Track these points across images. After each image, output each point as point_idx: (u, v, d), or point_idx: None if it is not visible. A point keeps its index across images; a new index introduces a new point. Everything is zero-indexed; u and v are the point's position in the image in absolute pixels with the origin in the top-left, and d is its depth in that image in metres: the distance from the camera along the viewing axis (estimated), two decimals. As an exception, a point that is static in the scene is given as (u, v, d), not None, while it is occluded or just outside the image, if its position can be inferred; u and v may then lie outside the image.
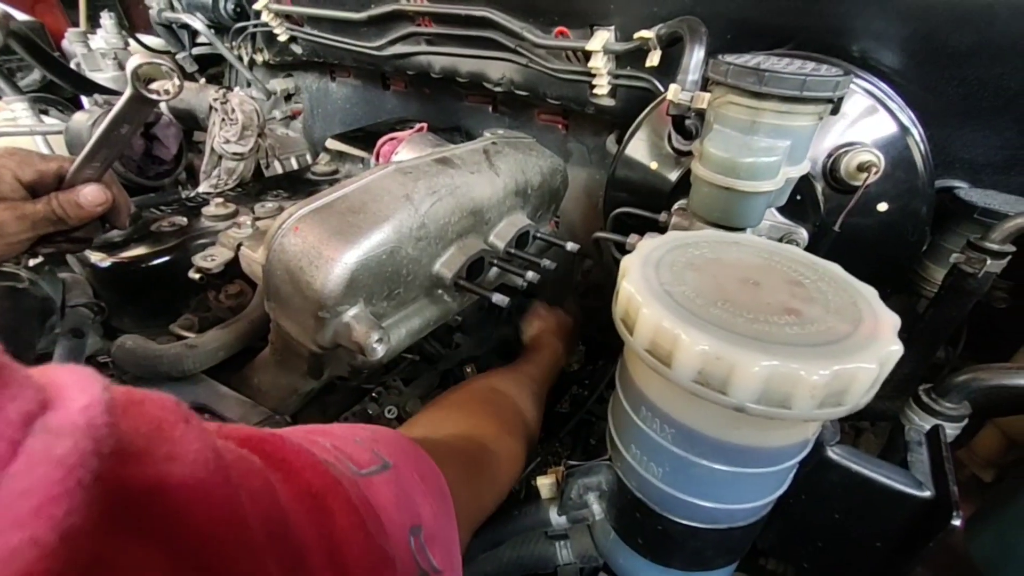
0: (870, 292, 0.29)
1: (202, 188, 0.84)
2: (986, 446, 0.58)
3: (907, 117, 0.57)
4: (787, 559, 0.37)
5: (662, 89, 0.71)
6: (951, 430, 0.38)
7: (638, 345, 0.27)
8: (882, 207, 0.56)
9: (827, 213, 0.57)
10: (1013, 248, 0.50)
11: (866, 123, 0.56)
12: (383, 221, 0.53)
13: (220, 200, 0.76)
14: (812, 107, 0.41)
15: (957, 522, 0.28)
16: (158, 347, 0.56)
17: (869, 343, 0.25)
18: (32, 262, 0.55)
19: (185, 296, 0.69)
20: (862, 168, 0.52)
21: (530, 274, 0.65)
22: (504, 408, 0.60)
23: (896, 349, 0.25)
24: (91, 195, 0.53)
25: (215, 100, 0.81)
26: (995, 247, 0.48)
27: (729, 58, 0.43)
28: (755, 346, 0.24)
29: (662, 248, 0.32)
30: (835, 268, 0.31)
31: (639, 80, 0.73)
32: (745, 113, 0.41)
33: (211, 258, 0.57)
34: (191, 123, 0.90)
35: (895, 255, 0.59)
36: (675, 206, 0.58)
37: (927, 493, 0.30)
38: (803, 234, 0.56)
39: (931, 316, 0.54)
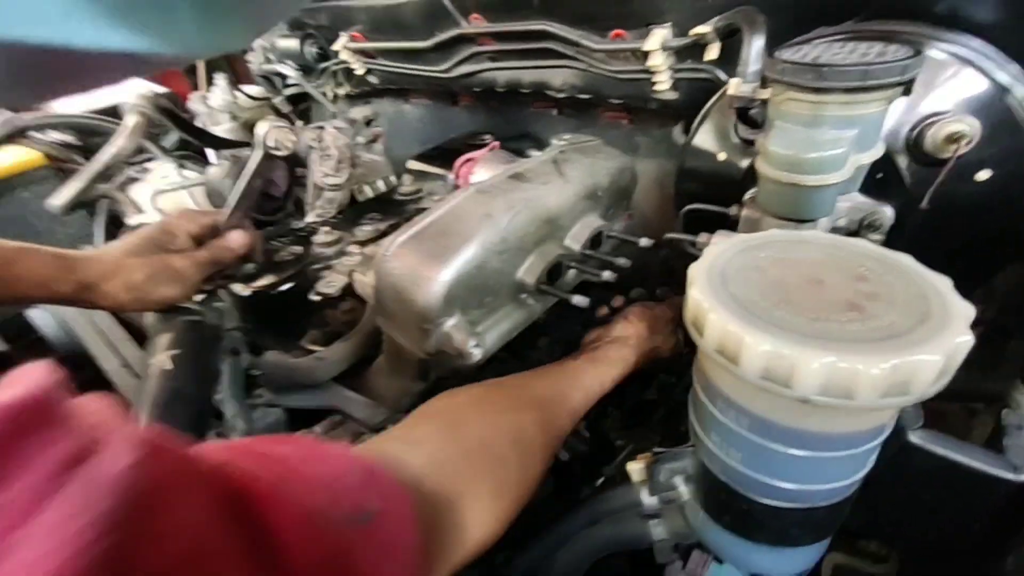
0: (943, 283, 0.30)
1: (309, 219, 0.96)
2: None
3: (1007, 75, 0.53)
4: (882, 539, 0.39)
5: (724, 78, 0.70)
6: None
7: (708, 347, 0.31)
8: (983, 175, 0.53)
9: (915, 187, 0.55)
10: None
11: (955, 88, 0.53)
12: (469, 240, 0.59)
13: (327, 228, 0.87)
14: (879, 93, 0.41)
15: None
16: (294, 361, 0.68)
17: (934, 335, 0.26)
18: (198, 298, 0.69)
19: (308, 314, 0.81)
20: (951, 139, 0.50)
21: (606, 273, 0.69)
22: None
23: (964, 340, 0.26)
24: (239, 239, 0.66)
25: (312, 140, 0.92)
26: (1115, 209, 0.45)
27: (785, 54, 0.44)
28: (814, 344, 0.27)
29: (727, 253, 0.35)
30: (904, 259, 0.32)
31: (701, 72, 0.73)
32: (807, 108, 0.42)
33: (330, 284, 0.67)
34: (293, 161, 1.02)
35: (1004, 225, 0.55)
36: (745, 197, 0.59)
37: (1023, 477, 0.31)
38: (887, 213, 0.55)
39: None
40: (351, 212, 1.00)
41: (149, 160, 1.09)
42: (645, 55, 0.75)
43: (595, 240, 0.75)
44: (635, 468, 0.45)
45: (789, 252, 0.35)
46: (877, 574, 0.53)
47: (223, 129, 1.26)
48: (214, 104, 1.22)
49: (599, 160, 0.77)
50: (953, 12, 0.56)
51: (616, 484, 0.48)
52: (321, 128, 0.98)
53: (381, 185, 1.17)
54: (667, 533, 0.45)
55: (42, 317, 0.86)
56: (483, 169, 0.77)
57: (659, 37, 0.72)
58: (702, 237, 0.54)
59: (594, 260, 0.72)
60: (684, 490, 0.41)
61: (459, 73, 1.06)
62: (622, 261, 0.70)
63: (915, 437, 0.33)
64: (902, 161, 0.55)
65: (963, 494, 0.32)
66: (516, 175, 0.69)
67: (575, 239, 0.73)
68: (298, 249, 0.86)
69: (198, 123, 1.23)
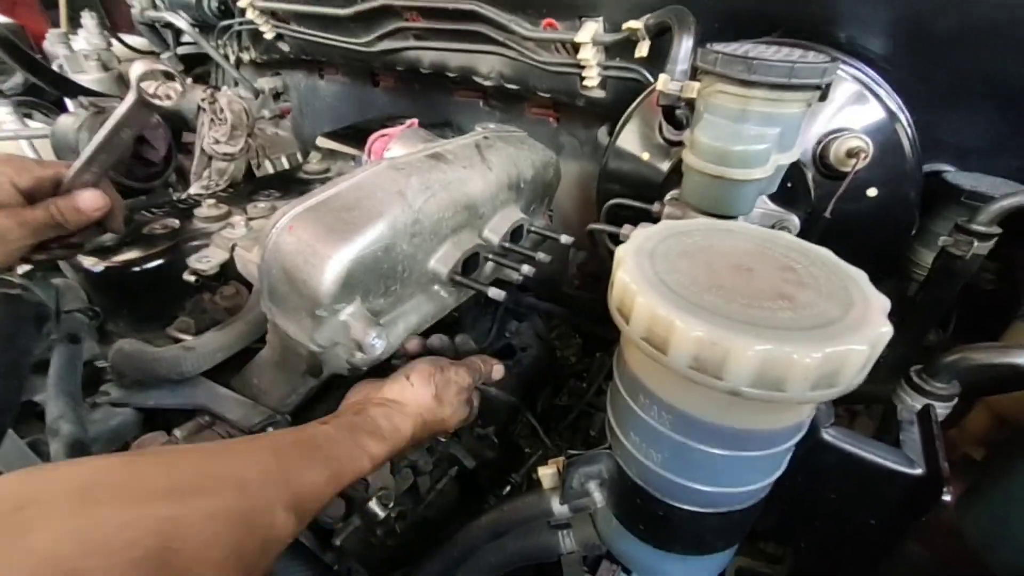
0: (861, 276, 0.29)
1: (193, 190, 0.83)
2: (976, 425, 0.59)
3: (895, 103, 0.58)
4: (785, 541, 0.38)
5: (652, 80, 0.71)
6: (941, 409, 0.39)
7: (634, 333, 0.28)
8: (872, 192, 0.57)
9: (818, 200, 0.58)
10: (1000, 230, 0.51)
11: (854, 109, 0.56)
12: (377, 217, 0.53)
13: (212, 201, 0.76)
14: (801, 94, 0.41)
15: (947, 498, 0.29)
16: (156, 350, 0.56)
17: (860, 326, 0.25)
18: (21, 269, 0.55)
19: (180, 299, 0.69)
20: (851, 154, 0.52)
21: (525, 268, 0.65)
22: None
23: (886, 331, 0.25)
24: (90, 200, 0.53)
25: (203, 100, 0.80)
26: (982, 229, 0.49)
27: (718, 47, 0.43)
28: (749, 331, 0.24)
29: (655, 237, 0.33)
30: (826, 253, 0.32)
31: (629, 71, 0.73)
32: (735, 102, 0.42)
33: (206, 259, 0.57)
34: (179, 124, 0.89)
35: (886, 239, 0.60)
36: (667, 196, 0.59)
37: (918, 470, 0.31)
38: (795, 221, 0.57)
39: (921, 299, 0.55)
40: (245, 188, 0.88)
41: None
42: (576, 47, 0.73)
43: (515, 233, 0.71)
44: (546, 473, 0.41)
45: (717, 240, 0.33)
46: (772, 575, 0.54)
47: (90, 79, 1.07)
48: (79, 48, 1.03)
49: (524, 151, 0.74)
50: (852, 41, 0.61)
51: (524, 492, 0.44)
52: (215, 89, 0.86)
53: (284, 161, 1.05)
54: (576, 544, 0.42)
55: None
56: (399, 146, 0.70)
57: (590, 30, 0.71)
58: (626, 228, 0.53)
59: (514, 254, 0.69)
60: (598, 497, 0.38)
61: (381, 48, 0.98)
62: (542, 256, 0.67)
63: (827, 435, 0.32)
64: (809, 173, 0.58)
65: (867, 489, 0.32)
66: (436, 155, 0.64)
67: (494, 231, 0.69)
68: (174, 223, 0.74)
69: (55, 67, 1.03)
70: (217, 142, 0.82)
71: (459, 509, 0.77)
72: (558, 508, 0.40)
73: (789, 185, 0.57)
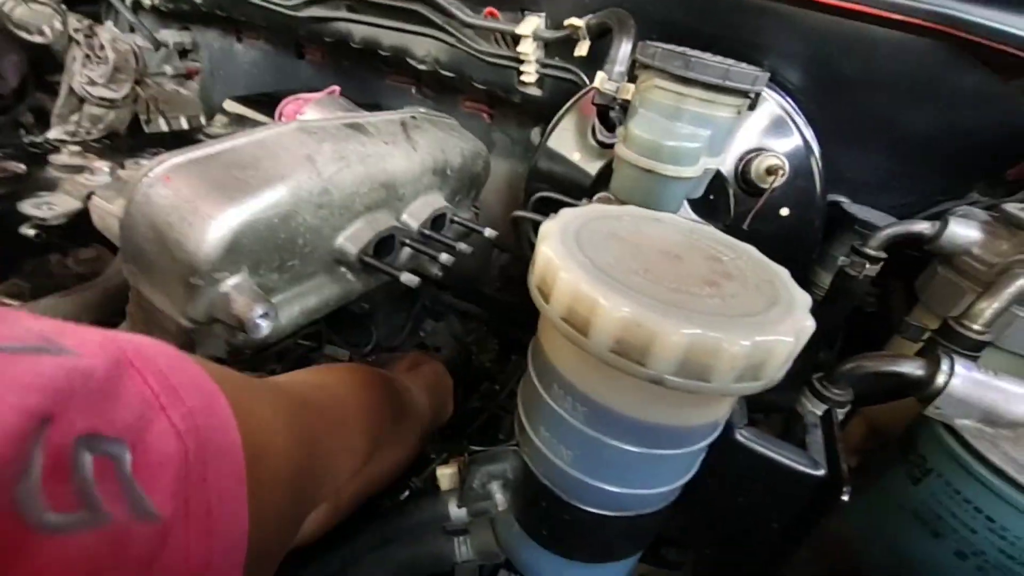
0: (784, 273, 0.29)
1: (52, 134, 0.70)
2: (853, 435, 0.64)
3: (809, 132, 0.62)
4: (690, 546, 0.37)
5: (588, 82, 0.71)
6: (840, 414, 0.41)
7: (554, 312, 0.25)
8: (784, 212, 0.60)
9: (736, 216, 0.60)
10: (886, 255, 0.56)
11: (775, 132, 0.59)
12: (278, 181, 0.46)
13: (77, 149, 0.64)
14: (733, 98, 0.41)
15: (846, 497, 0.29)
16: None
17: (786, 318, 0.24)
18: None
19: (18, 259, 0.57)
20: (770, 171, 0.55)
21: (444, 256, 0.61)
22: (373, 374, 0.51)
23: (810, 324, 0.24)
24: None
25: (77, 32, 0.68)
26: (873, 252, 0.53)
27: (658, 43, 0.43)
28: (677, 314, 0.22)
29: (583, 217, 0.30)
30: (751, 249, 0.31)
31: (567, 71, 0.72)
32: (670, 98, 0.41)
33: (48, 207, 0.47)
34: (42, 55, 0.75)
35: (794, 258, 0.63)
36: (596, 196, 0.58)
37: (821, 471, 0.31)
38: (713, 232, 0.58)
39: (819, 316, 0.58)
40: (127, 142, 0.76)
41: None
42: (516, 40, 0.71)
43: (436, 222, 0.67)
44: (445, 473, 0.37)
45: (645, 227, 0.31)
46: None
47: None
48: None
49: (453, 138, 0.70)
50: (773, 70, 0.64)
51: (419, 496, 0.39)
52: (94, 23, 0.73)
53: (183, 122, 0.93)
54: (473, 552, 0.38)
55: None
56: (315, 111, 0.64)
57: (532, 23, 0.69)
58: (551, 218, 0.50)
59: (433, 242, 0.64)
60: (500, 499, 0.34)
61: (309, 15, 0.90)
62: (463, 247, 0.64)
63: (741, 436, 0.32)
64: (730, 186, 0.59)
65: (775, 492, 0.32)
66: (355, 125, 0.58)
67: (414, 216, 0.64)
68: (19, 167, 0.61)
69: None
70: (92, 83, 0.70)
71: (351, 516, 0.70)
72: (455, 512, 0.36)
73: (711, 197, 0.58)
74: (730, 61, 0.43)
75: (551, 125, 0.73)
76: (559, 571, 0.34)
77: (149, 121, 0.85)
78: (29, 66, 0.71)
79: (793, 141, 0.59)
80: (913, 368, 0.39)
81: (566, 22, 0.65)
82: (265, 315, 0.45)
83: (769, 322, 0.23)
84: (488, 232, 0.67)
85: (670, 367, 0.22)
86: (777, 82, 0.63)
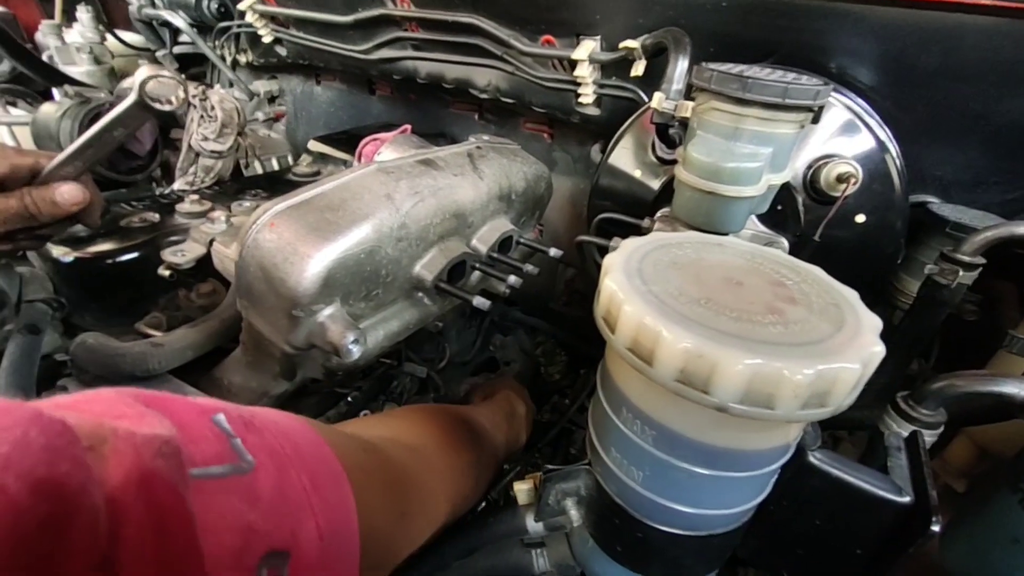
0: (852, 295, 0.29)
1: (177, 185, 0.81)
2: (958, 456, 0.59)
3: (884, 133, 0.59)
4: (767, 568, 0.37)
5: (646, 99, 0.71)
6: (928, 437, 0.38)
7: (619, 343, 0.27)
8: (860, 219, 0.57)
9: (807, 224, 0.58)
10: (983, 260, 0.51)
11: (845, 137, 0.57)
12: (363, 219, 0.51)
13: (195, 197, 0.74)
14: (794, 115, 0.41)
15: (936, 528, 0.28)
16: (121, 345, 0.54)
17: (852, 344, 0.24)
18: (-13, 256, 0.53)
19: (154, 295, 0.66)
20: (841, 179, 0.53)
21: (512, 278, 0.64)
22: (453, 422, 0.55)
23: (879, 351, 0.24)
24: (68, 194, 0.51)
25: (194, 97, 0.79)
26: (967, 259, 0.49)
27: (713, 65, 0.43)
28: (738, 344, 0.23)
29: (645, 247, 0.32)
30: (817, 271, 0.31)
31: (624, 90, 0.74)
32: (728, 119, 0.41)
33: (182, 253, 0.55)
34: (168, 119, 0.87)
35: (872, 266, 0.60)
36: (658, 213, 0.59)
37: (907, 499, 0.30)
38: (784, 243, 0.57)
39: (906, 327, 0.54)
40: (232, 186, 0.87)
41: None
42: (573, 64, 0.74)
43: (504, 244, 0.71)
44: (522, 489, 0.39)
45: (706, 253, 0.32)
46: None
47: (81, 72, 1.05)
48: (72, 40, 1.02)
49: (516, 163, 0.74)
50: (842, 71, 0.62)
51: (498, 508, 0.42)
52: (207, 86, 0.85)
53: (275, 163, 1.04)
54: (550, 564, 0.40)
55: None
56: (391, 151, 0.70)
57: (588, 48, 0.71)
58: (614, 242, 0.52)
59: (501, 264, 0.68)
60: (575, 515, 0.36)
61: (379, 57, 0.98)
62: (530, 268, 0.66)
63: (814, 458, 0.31)
64: (799, 196, 0.58)
65: (854, 516, 0.31)
66: (427, 161, 0.63)
67: (483, 240, 0.68)
68: (154, 217, 0.72)
69: (45, 59, 1.02)
70: (206, 139, 0.81)
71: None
72: (532, 526, 0.38)
73: (779, 208, 0.57)
74: (791, 76, 0.43)
75: (612, 143, 0.74)
76: (633, 588, 0.35)
77: (247, 166, 0.96)
78: (158, 130, 0.83)
79: (866, 143, 0.57)
80: (1017, 389, 0.36)
81: (621, 44, 0.67)
82: (356, 341, 0.51)
83: (834, 349, 0.24)
84: (553, 252, 0.70)
85: (734, 396, 0.23)
86: (846, 83, 0.61)
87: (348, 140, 1.00)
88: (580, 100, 0.77)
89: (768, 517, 0.33)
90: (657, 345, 0.25)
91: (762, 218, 0.58)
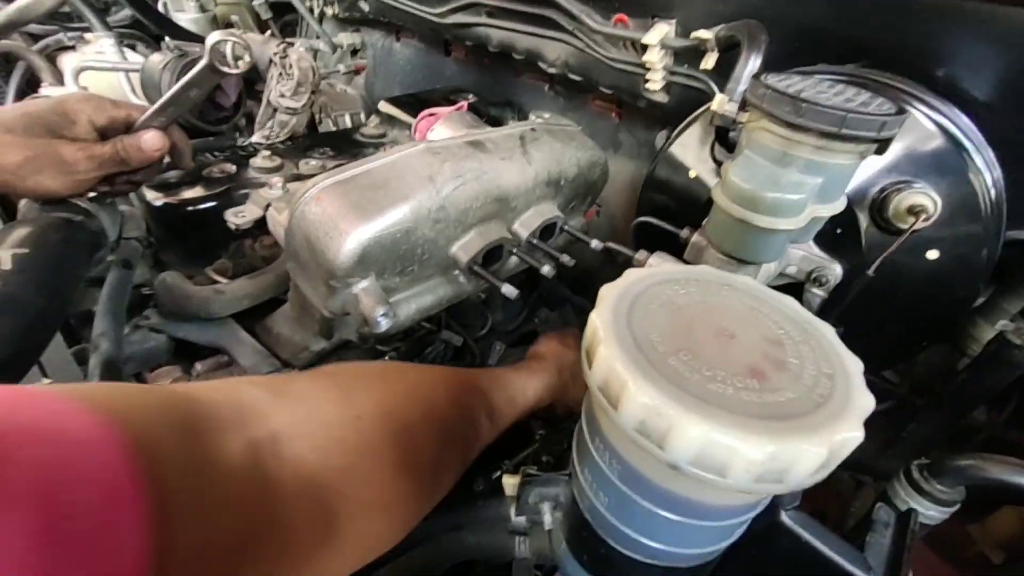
0: (854, 367, 0.27)
1: (255, 138, 0.88)
2: (1002, 526, 0.54)
3: (983, 158, 0.51)
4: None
5: (718, 92, 0.66)
6: (937, 514, 0.36)
7: (593, 381, 0.27)
8: (932, 255, 0.51)
9: (868, 252, 0.53)
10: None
11: (931, 160, 0.50)
12: (402, 200, 0.54)
13: (267, 153, 0.80)
14: (852, 146, 0.37)
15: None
16: (190, 288, 0.61)
17: (825, 426, 0.23)
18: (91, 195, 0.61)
19: (224, 241, 0.74)
20: (913, 211, 0.47)
21: (546, 268, 0.65)
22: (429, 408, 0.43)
23: (853, 437, 0.23)
24: (151, 141, 0.58)
25: (275, 55, 0.84)
26: (1049, 321, 0.44)
27: (771, 79, 0.40)
28: (699, 408, 0.23)
29: (646, 281, 0.31)
30: (826, 331, 0.29)
31: (694, 79, 0.69)
32: (777, 143, 0.38)
33: (241, 215, 0.61)
34: (252, 73, 0.93)
35: (937, 309, 0.54)
36: (698, 231, 0.56)
37: (874, 579, 0.29)
38: (836, 271, 0.53)
39: (965, 380, 0.49)
40: (302, 142, 0.92)
41: (88, 31, 0.97)
42: (644, 48, 0.70)
43: (547, 231, 0.71)
44: (509, 483, 0.42)
45: (712, 295, 0.31)
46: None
47: (187, 19, 1.14)
48: (181, -13, 1.10)
49: (570, 148, 0.72)
50: (950, 82, 0.54)
51: (488, 495, 0.45)
52: (289, 44, 0.89)
53: (347, 119, 1.08)
54: (530, 552, 0.43)
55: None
56: (444, 127, 0.71)
57: (660, 32, 0.67)
58: (640, 254, 0.51)
59: (540, 252, 0.68)
60: (548, 519, 0.38)
61: (453, 21, 0.98)
62: (566, 259, 0.66)
63: (787, 517, 0.31)
64: (863, 221, 0.53)
65: None
66: (475, 143, 0.63)
67: (525, 225, 0.68)
68: (231, 168, 0.78)
69: (160, 6, 1.10)
70: (282, 95, 0.86)
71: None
72: (515, 518, 0.41)
73: (839, 231, 0.52)
74: (861, 98, 0.39)
75: (674, 134, 0.71)
76: (596, 594, 0.37)
77: (320, 121, 1.01)
78: (243, 82, 0.89)
79: (955, 169, 0.50)
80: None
81: (693, 34, 0.62)
82: (385, 314, 0.54)
83: (802, 428, 0.23)
84: (594, 244, 0.69)
85: (685, 458, 0.24)
86: (953, 96, 0.53)
87: (416, 104, 1.01)
88: (648, 86, 0.73)
89: (736, 558, 0.33)
90: (622, 393, 0.25)
91: (819, 240, 0.54)
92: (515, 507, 0.40)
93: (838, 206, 0.41)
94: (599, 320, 0.28)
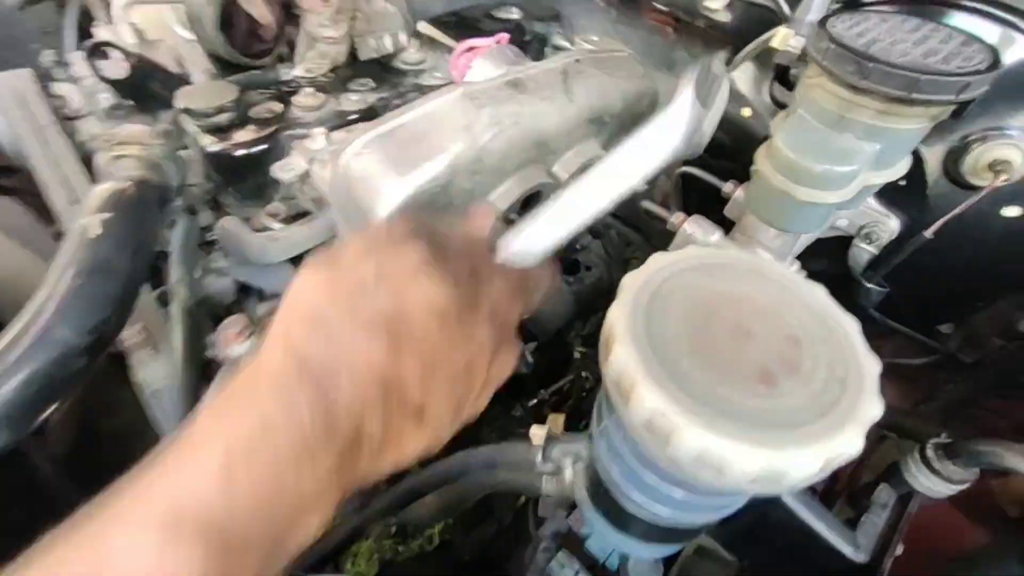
0: (871, 371, 0.27)
1: (296, 71, 0.87)
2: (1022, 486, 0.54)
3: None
4: (734, 553, 0.41)
5: (787, 13, 0.58)
6: (945, 491, 0.36)
7: (607, 374, 0.29)
8: (1011, 212, 0.46)
9: (934, 205, 0.48)
10: None
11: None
12: (438, 154, 0.54)
13: (310, 90, 0.79)
14: (922, 109, 0.33)
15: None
16: (247, 235, 0.66)
17: (823, 436, 0.24)
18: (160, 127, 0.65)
19: (276, 182, 0.77)
20: (993, 167, 0.42)
21: (584, 216, 0.64)
22: None
23: (853, 450, 0.24)
24: None
25: (310, -22, 0.80)
26: None
27: (840, 24, 0.35)
28: (701, 413, 0.25)
29: (670, 268, 0.31)
30: (850, 329, 0.29)
31: (763, -4, 0.60)
32: (835, 104, 0.35)
33: (288, 168, 0.63)
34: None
35: (1010, 270, 0.50)
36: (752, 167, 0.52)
37: (861, 558, 0.31)
38: (892, 226, 0.49)
39: (1018, 349, 0.47)
40: (343, 73, 0.90)
41: (128, -42, 0.95)
42: (703, -42, 0.61)
43: (586, 168, 0.69)
44: (536, 433, 0.46)
45: (736, 285, 0.31)
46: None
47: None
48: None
49: (616, 79, 0.67)
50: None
51: (517, 438, 0.49)
52: (323, -40, 0.84)
53: (387, 43, 1.04)
54: (554, 492, 0.48)
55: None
56: (484, 64, 0.67)
57: (724, -60, 0.58)
58: (676, 217, 0.49)
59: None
60: (568, 473, 0.42)
61: (495, -78, 0.88)
62: (607, 204, 0.65)
63: (788, 496, 0.33)
64: (932, 171, 0.48)
65: (806, 556, 0.33)
66: (514, 82, 0.61)
67: (565, 167, 0.67)
68: (278, 107, 0.79)
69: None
70: (322, 25, 0.83)
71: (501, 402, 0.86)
72: (540, 464, 0.45)
73: (901, 182, 0.48)
74: (948, 48, 0.33)
75: (735, 60, 0.64)
76: (614, 536, 0.42)
77: (362, 47, 0.98)
78: (282, 10, 0.87)
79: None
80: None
81: (763, -55, 0.53)
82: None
83: (800, 438, 0.24)
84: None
85: (686, 459, 0.25)
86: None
87: (457, 24, 0.96)
88: (707, 3, 0.65)
89: (738, 521, 0.36)
90: (632, 392, 0.27)
91: (882, 192, 0.49)
92: (540, 457, 0.45)
93: (896, 172, 0.38)
94: (618, 314, 0.29)
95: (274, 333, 0.27)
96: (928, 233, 0.43)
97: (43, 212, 0.73)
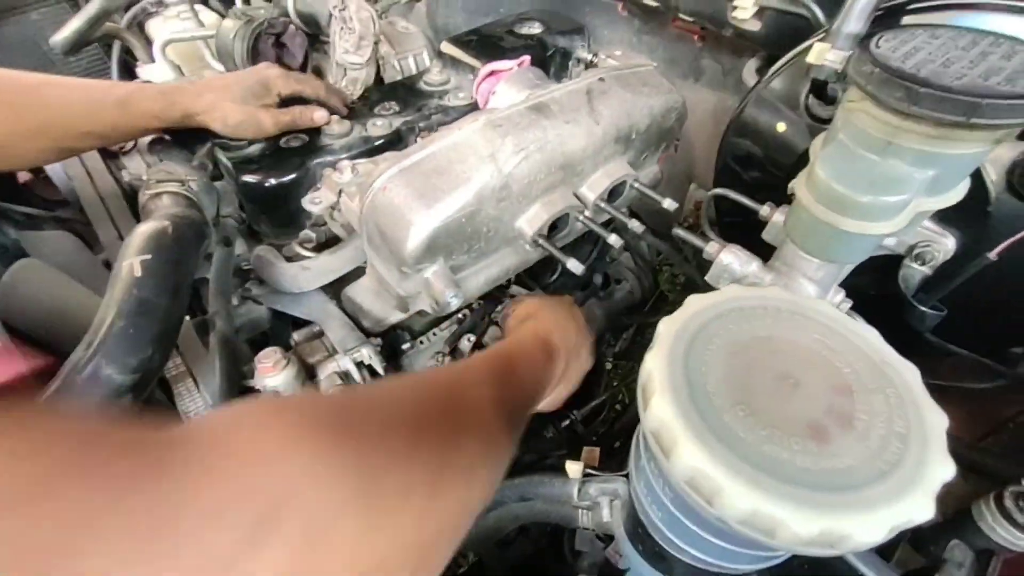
0: (937, 424, 0.25)
1: (328, 99, 0.89)
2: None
3: None
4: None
5: (822, 21, 0.56)
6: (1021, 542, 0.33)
7: (647, 425, 0.28)
8: (1081, 231, 0.43)
9: (996, 224, 0.45)
10: None
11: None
12: (464, 184, 0.53)
13: (336, 117, 0.81)
14: (985, 133, 0.31)
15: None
16: (281, 265, 0.67)
17: (886, 502, 0.23)
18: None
19: (307, 211, 0.78)
20: (1061, 184, 0.39)
21: (613, 238, 0.63)
22: None
23: (922, 517, 0.22)
24: (320, 116, 0.72)
25: (335, 8, 0.81)
26: None
27: (884, 44, 0.33)
28: (747, 475, 0.23)
29: (708, 312, 0.30)
30: (908, 375, 0.27)
31: (796, 4, 0.58)
32: (881, 131, 0.33)
33: (317, 201, 0.64)
34: (315, 28, 0.92)
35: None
36: (791, 187, 0.50)
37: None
38: (947, 246, 0.46)
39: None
40: (368, 99, 0.92)
41: (165, -5, 1.00)
42: (731, -32, 0.59)
43: (616, 189, 0.68)
44: (572, 468, 0.45)
45: (781, 329, 0.30)
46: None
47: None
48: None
49: (642, 97, 0.66)
50: None
51: (555, 473, 0.48)
52: (345, -5, 0.85)
53: (411, 63, 1.06)
54: (592, 524, 0.47)
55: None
56: (507, 88, 0.67)
57: (753, -51, 0.56)
58: (711, 247, 0.47)
59: (606, 217, 0.66)
60: (606, 512, 0.41)
61: (515, -61, 0.88)
62: (636, 225, 0.64)
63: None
64: (994, 187, 0.45)
65: None
66: (538, 107, 0.60)
67: (592, 188, 0.66)
68: (305, 136, 0.81)
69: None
70: (347, 52, 0.85)
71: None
72: (576, 499, 0.45)
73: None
74: (1013, 63, 0.31)
75: (770, 73, 0.62)
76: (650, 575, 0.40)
77: (386, 69, 0.99)
78: (308, 38, 0.89)
79: None
80: None
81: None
82: (455, 296, 0.57)
83: (860, 503, 0.22)
84: (667, 204, 0.65)
85: (734, 519, 0.24)
86: None
87: (480, 42, 0.96)
88: (735, 13, 0.63)
89: (787, 567, 0.34)
90: (674, 448, 0.26)
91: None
92: (576, 494, 0.44)
93: (954, 197, 0.36)
94: (654, 363, 0.28)
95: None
96: (993, 255, 0.40)
97: (96, 242, 0.77)
